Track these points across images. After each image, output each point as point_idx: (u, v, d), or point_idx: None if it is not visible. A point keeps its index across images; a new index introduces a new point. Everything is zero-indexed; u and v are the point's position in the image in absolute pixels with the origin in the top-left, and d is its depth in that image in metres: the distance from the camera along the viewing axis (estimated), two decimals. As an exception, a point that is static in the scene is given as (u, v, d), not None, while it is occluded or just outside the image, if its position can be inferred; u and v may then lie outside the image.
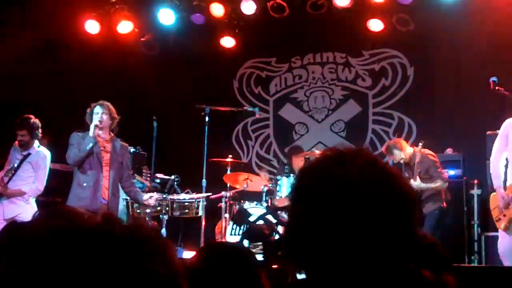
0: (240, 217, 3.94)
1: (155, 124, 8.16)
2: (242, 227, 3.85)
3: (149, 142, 8.73)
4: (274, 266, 3.48)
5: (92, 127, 6.78)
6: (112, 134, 7.07)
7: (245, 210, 3.97)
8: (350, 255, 1.24)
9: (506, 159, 6.49)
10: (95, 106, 6.90)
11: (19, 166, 7.04)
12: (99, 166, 6.81)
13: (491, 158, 6.69)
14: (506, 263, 6.32)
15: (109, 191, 6.85)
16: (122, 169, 7.04)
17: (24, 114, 7.23)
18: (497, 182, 6.55)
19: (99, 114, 6.85)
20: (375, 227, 1.24)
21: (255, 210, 8.06)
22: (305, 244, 1.28)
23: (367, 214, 1.24)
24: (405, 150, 7.85)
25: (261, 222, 3.94)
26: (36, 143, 7.22)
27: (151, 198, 7.21)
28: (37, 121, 7.19)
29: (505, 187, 6.45)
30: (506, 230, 6.44)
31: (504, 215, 6.44)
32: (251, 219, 4.94)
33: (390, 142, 8.27)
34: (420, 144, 7.72)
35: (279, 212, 7.38)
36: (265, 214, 4.46)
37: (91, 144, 6.72)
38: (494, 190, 6.64)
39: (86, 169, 6.78)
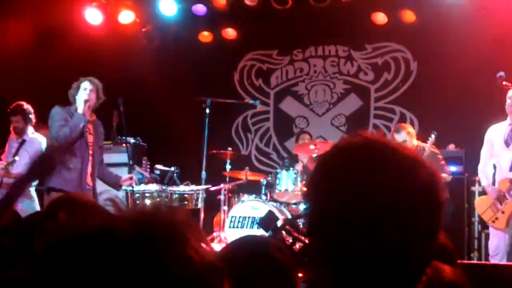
0: (268, 222, 3.86)
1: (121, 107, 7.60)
2: (268, 232, 3.78)
3: (149, 133, 8.68)
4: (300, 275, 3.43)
5: (81, 103, 6.37)
6: (95, 116, 6.71)
7: (273, 214, 3.90)
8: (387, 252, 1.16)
9: (494, 165, 6.79)
10: (83, 81, 6.49)
11: (16, 154, 6.98)
12: (86, 148, 6.44)
13: (479, 167, 6.95)
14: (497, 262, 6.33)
15: (92, 176, 6.51)
16: (99, 152, 6.72)
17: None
18: (485, 181, 6.82)
19: (87, 90, 6.42)
20: (410, 223, 1.17)
21: (255, 204, 8.04)
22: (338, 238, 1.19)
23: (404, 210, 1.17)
24: (411, 140, 7.77)
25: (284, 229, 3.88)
26: (30, 129, 7.21)
27: (131, 179, 6.80)
28: (29, 106, 7.18)
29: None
30: (507, 226, 6.45)
31: (503, 212, 6.47)
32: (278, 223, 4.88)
33: (404, 124, 8.23)
34: (433, 135, 7.61)
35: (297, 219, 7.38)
36: (290, 220, 4.40)
37: (83, 123, 6.31)
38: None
39: (73, 150, 6.34)
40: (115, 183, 6.84)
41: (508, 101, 6.53)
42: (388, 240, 1.15)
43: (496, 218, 6.55)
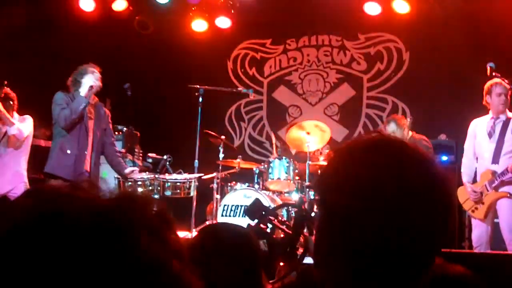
0: (254, 210, 3.86)
1: (128, 92, 7.71)
2: (253, 221, 3.78)
3: (142, 121, 8.67)
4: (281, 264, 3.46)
5: (86, 86, 6.45)
6: (97, 99, 6.78)
7: (260, 202, 3.89)
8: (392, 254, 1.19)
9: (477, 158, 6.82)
10: (93, 67, 6.58)
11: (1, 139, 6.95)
12: (85, 132, 6.47)
13: (463, 160, 6.97)
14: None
15: (91, 160, 6.52)
16: (105, 136, 6.77)
17: (13, 91, 7.18)
18: (466, 178, 6.82)
19: (97, 77, 6.53)
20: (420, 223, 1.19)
21: (248, 192, 8.06)
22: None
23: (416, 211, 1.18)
24: (402, 131, 7.80)
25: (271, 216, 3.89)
26: (15, 114, 7.13)
27: (133, 172, 6.98)
28: (12, 93, 7.09)
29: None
30: (486, 217, 6.55)
31: (483, 203, 6.55)
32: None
33: (396, 115, 8.28)
34: (408, 119, 7.76)
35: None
36: (272, 209, 4.41)
37: (83, 104, 6.35)
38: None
39: (72, 135, 6.39)
40: (119, 172, 6.94)
41: (502, 97, 6.57)
42: (403, 238, 1.17)
43: (476, 208, 6.64)
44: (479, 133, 6.77)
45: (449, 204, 1.25)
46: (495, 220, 6.71)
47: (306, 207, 4.06)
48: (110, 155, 6.88)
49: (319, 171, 8.03)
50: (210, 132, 8.29)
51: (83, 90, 6.44)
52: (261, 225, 3.78)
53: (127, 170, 6.98)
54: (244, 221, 6.33)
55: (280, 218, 4.01)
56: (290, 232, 3.71)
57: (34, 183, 7.18)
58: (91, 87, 6.46)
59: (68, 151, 6.36)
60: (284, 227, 3.92)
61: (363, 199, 1.19)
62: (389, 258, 1.18)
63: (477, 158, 6.83)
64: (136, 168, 7.21)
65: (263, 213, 3.82)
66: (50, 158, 6.45)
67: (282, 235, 3.92)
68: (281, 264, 3.43)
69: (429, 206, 1.20)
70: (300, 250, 3.89)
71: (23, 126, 7.01)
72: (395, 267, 1.19)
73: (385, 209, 1.17)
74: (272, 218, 3.99)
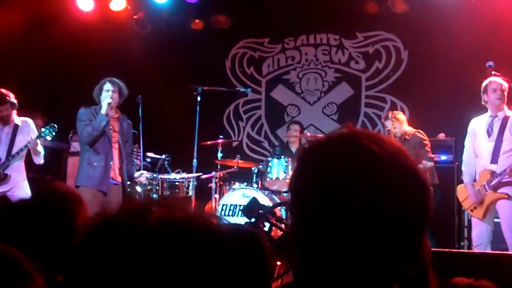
0: (251, 209, 3.84)
1: (140, 105, 7.93)
2: (251, 220, 3.76)
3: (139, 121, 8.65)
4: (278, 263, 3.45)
5: (104, 104, 6.65)
6: (119, 113, 6.98)
7: (257, 201, 3.87)
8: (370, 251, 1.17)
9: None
10: (104, 83, 6.75)
11: (13, 139, 7.03)
12: (109, 145, 6.69)
13: (464, 158, 6.95)
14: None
15: (120, 171, 6.77)
16: (127, 148, 7.01)
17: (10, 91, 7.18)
18: (467, 179, 6.81)
19: (110, 92, 6.69)
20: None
21: (246, 192, 8.06)
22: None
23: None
24: (400, 125, 7.81)
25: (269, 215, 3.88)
26: (14, 112, 7.19)
27: (141, 175, 7.16)
28: (10, 93, 7.15)
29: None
30: (485, 217, 6.54)
31: (482, 203, 6.55)
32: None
33: (394, 111, 8.33)
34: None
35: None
36: (270, 207, 4.39)
37: (104, 122, 6.59)
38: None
39: (96, 148, 6.65)
40: (129, 175, 7.09)
41: (497, 92, 6.55)
42: (377, 231, 1.16)
43: (475, 207, 6.63)
44: (478, 131, 6.76)
45: (423, 187, 1.23)
46: (496, 220, 6.70)
47: None
48: (127, 163, 7.03)
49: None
50: (206, 143, 8.30)
51: (103, 109, 6.65)
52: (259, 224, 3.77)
53: (136, 174, 7.14)
54: (242, 221, 6.33)
55: (278, 216, 4.00)
56: (288, 230, 3.70)
57: (36, 183, 7.23)
58: (109, 104, 6.65)
59: (95, 164, 6.61)
60: (282, 225, 3.91)
61: (336, 194, 1.17)
62: (369, 254, 1.16)
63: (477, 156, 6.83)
64: (144, 172, 7.38)
65: (260, 211, 3.81)
66: (79, 172, 6.73)
67: (280, 234, 3.91)
68: (278, 263, 3.42)
69: (403, 196, 1.18)
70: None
71: (40, 147, 7.20)
72: (373, 263, 1.17)
73: (359, 203, 1.16)
74: (270, 216, 3.98)
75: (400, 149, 1.24)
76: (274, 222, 3.84)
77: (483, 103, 6.69)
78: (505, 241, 6.46)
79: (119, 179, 6.77)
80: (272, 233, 3.96)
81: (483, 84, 6.63)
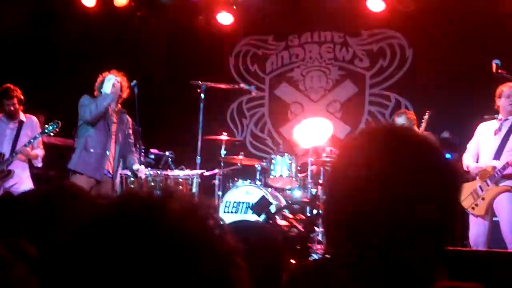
0: (261, 207, 3.85)
1: (135, 90, 7.71)
2: (260, 217, 3.77)
3: (144, 117, 8.62)
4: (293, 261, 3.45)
5: (110, 84, 6.70)
6: (120, 106, 7.02)
7: (267, 199, 3.88)
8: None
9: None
10: (107, 75, 6.82)
11: (18, 135, 7.09)
12: (108, 133, 6.71)
13: (464, 155, 6.99)
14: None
15: (114, 163, 6.78)
16: (126, 139, 7.04)
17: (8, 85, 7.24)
18: (470, 161, 6.85)
19: (113, 80, 6.77)
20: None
21: (250, 189, 8.04)
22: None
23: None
24: (411, 124, 7.79)
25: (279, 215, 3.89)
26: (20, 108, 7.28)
27: (139, 171, 7.09)
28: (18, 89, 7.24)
29: None
30: (487, 213, 6.51)
31: (483, 199, 6.54)
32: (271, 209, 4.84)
33: (406, 110, 8.40)
34: (427, 114, 7.77)
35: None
36: (284, 207, 4.40)
37: (108, 100, 6.63)
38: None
39: (94, 134, 6.65)
40: (131, 169, 7.13)
41: (510, 98, 6.57)
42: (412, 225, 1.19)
43: (476, 205, 6.61)
44: (485, 132, 6.79)
45: (454, 181, 1.26)
46: (495, 219, 6.69)
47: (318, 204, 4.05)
48: (125, 152, 7.05)
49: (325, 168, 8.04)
50: (210, 137, 8.27)
51: (107, 89, 6.69)
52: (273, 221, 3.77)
53: (135, 167, 7.11)
54: (246, 218, 6.30)
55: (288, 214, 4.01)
56: (303, 229, 3.69)
57: (42, 180, 7.32)
58: (113, 84, 6.71)
59: (91, 150, 6.59)
60: (297, 224, 3.91)
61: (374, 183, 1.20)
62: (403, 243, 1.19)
63: (477, 159, 6.82)
64: (142, 167, 7.25)
65: (270, 210, 3.81)
66: (73, 155, 6.69)
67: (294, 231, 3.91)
68: (292, 261, 3.41)
69: (438, 190, 1.21)
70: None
71: (40, 150, 7.34)
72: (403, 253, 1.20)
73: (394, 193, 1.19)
74: (285, 213, 3.99)
75: (433, 145, 1.29)
76: (292, 220, 3.84)
77: (496, 107, 6.73)
78: (505, 240, 6.45)
79: (111, 171, 6.78)
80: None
81: (498, 89, 6.67)
